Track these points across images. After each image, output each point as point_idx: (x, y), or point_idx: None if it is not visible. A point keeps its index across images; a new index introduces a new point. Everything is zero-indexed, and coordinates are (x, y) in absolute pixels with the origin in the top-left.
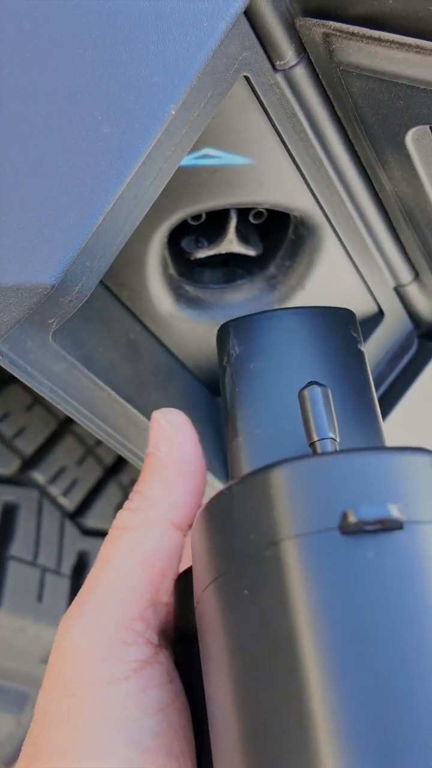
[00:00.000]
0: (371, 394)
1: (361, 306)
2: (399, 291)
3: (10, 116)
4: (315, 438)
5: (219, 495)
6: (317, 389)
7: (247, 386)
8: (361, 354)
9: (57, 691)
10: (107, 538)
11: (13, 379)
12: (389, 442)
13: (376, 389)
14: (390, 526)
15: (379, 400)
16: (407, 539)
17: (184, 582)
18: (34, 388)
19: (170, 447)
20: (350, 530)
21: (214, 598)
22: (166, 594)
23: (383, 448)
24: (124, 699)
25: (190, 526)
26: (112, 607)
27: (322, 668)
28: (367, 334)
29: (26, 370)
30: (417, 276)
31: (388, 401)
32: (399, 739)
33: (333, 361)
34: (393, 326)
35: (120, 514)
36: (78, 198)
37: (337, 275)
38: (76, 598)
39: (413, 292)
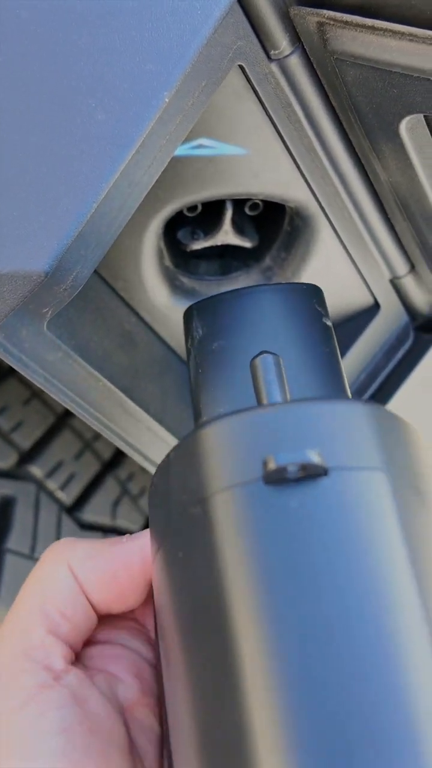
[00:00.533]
0: (338, 368)
1: (356, 298)
2: (395, 283)
3: (3, 103)
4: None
5: (159, 465)
6: (268, 357)
7: (208, 367)
8: (327, 328)
9: None
10: None
11: (10, 373)
12: None
13: (372, 382)
14: (313, 472)
15: (376, 393)
16: (331, 486)
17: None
18: (29, 378)
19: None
20: (273, 479)
21: (158, 567)
22: (72, 626)
23: (307, 399)
24: (24, 723)
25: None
26: (11, 639)
27: (250, 625)
28: (362, 327)
29: (21, 360)
30: (413, 268)
31: (385, 393)
32: (332, 705)
33: (295, 335)
34: (389, 318)
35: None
36: (72, 185)
37: (332, 267)
38: None
39: (409, 284)
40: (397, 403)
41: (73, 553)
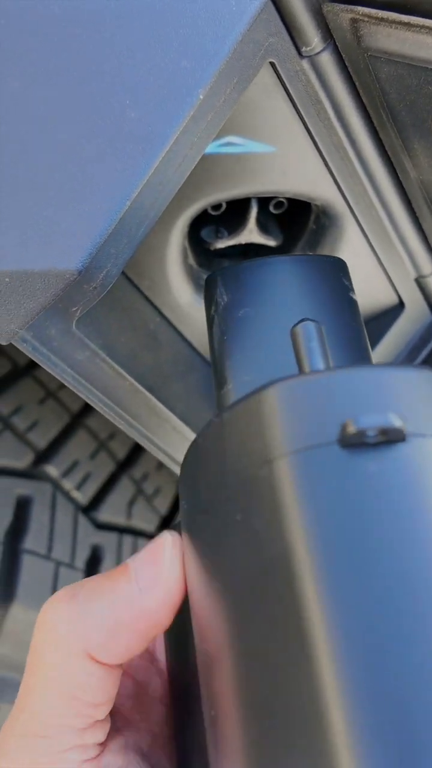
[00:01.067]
0: (365, 342)
1: (381, 297)
2: (420, 282)
3: (37, 101)
4: (308, 372)
5: (207, 425)
6: (310, 324)
7: (235, 333)
8: (353, 302)
9: None
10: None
11: (26, 372)
12: None
13: None
14: (392, 437)
15: None
16: (411, 451)
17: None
18: (57, 377)
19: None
20: (350, 442)
21: (204, 532)
22: (107, 702)
23: (382, 364)
24: None
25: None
26: (37, 745)
27: (320, 589)
28: (387, 326)
29: (49, 358)
30: None
31: None
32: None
33: (324, 306)
34: (413, 318)
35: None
36: (104, 183)
37: (358, 266)
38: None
39: None
40: None
41: (88, 641)
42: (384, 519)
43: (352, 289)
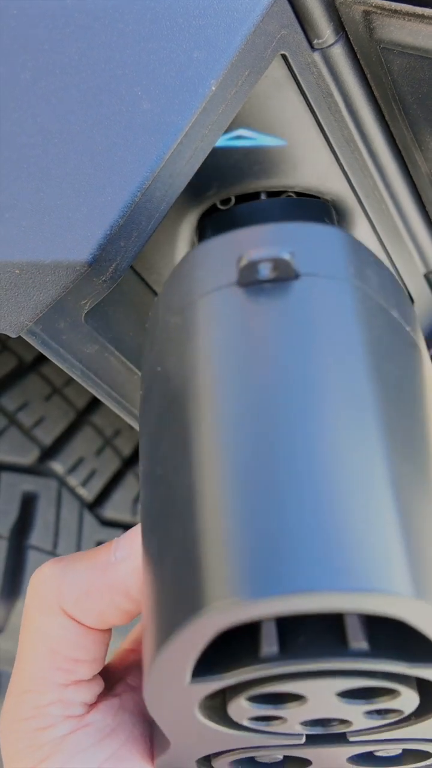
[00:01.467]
0: None
1: None
2: (429, 278)
3: (48, 92)
4: None
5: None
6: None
7: None
8: None
9: None
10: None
11: (32, 368)
12: None
13: None
14: (283, 273)
15: None
16: (301, 286)
17: None
18: (65, 370)
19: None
20: (246, 280)
21: (143, 397)
22: (90, 662)
23: (290, 222)
24: None
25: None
26: (24, 702)
27: (210, 406)
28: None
29: (58, 352)
30: None
31: None
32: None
33: None
34: (422, 313)
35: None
36: (115, 175)
37: None
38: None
39: None
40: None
41: (62, 595)
42: (266, 346)
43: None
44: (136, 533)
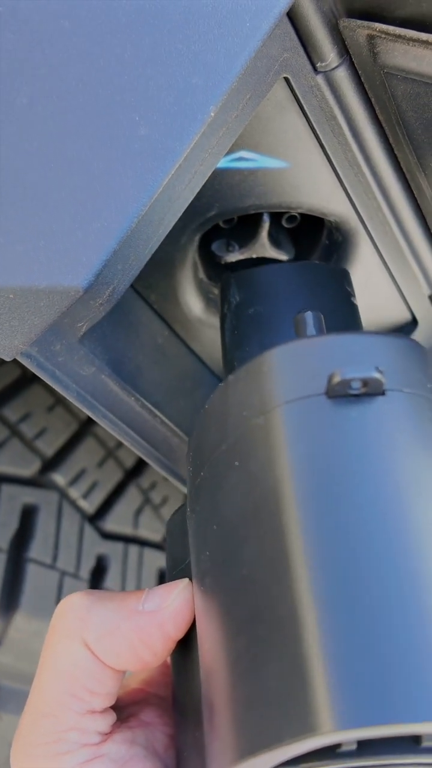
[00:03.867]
0: None
1: (394, 314)
2: None
3: (44, 116)
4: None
5: (216, 390)
6: (311, 313)
7: (245, 327)
8: (354, 306)
9: None
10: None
11: (35, 379)
12: None
13: None
14: (373, 389)
15: None
16: (388, 402)
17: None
18: (61, 393)
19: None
20: (336, 393)
21: (208, 480)
22: (104, 696)
23: (369, 331)
24: None
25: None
26: (41, 725)
27: (303, 517)
28: None
29: (54, 374)
30: None
31: None
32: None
33: (327, 307)
34: (426, 334)
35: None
36: (113, 201)
37: (371, 282)
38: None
39: None
40: None
41: (87, 629)
42: (360, 457)
43: (353, 295)
44: (168, 589)
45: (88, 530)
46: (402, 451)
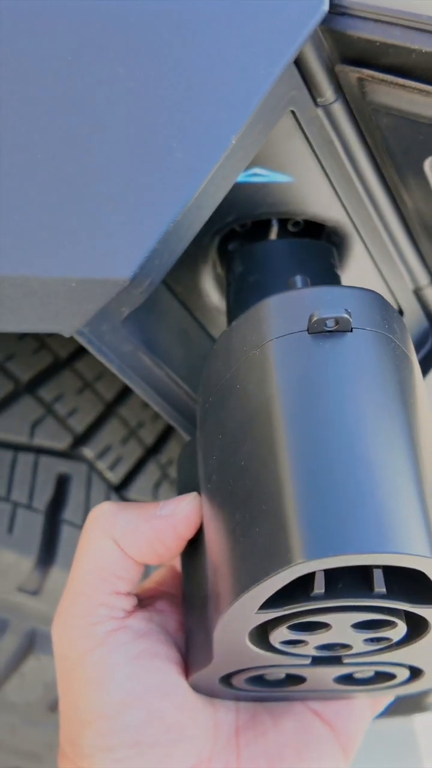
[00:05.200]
0: None
1: None
2: (417, 293)
3: (103, 143)
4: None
5: (221, 334)
6: (300, 277)
7: (246, 293)
8: (336, 276)
9: (59, 668)
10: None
11: (66, 364)
12: None
13: None
14: (343, 327)
15: None
16: (355, 337)
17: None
18: (106, 365)
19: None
20: (314, 330)
21: (215, 404)
22: (127, 581)
23: (341, 285)
24: (97, 659)
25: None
26: (76, 603)
27: (287, 422)
28: None
29: (101, 349)
30: None
31: None
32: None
33: (314, 275)
34: (411, 324)
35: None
36: (153, 208)
37: (363, 278)
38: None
39: (429, 294)
40: None
41: (114, 528)
42: (332, 377)
43: (336, 267)
44: (180, 499)
45: (114, 498)
46: (363, 372)
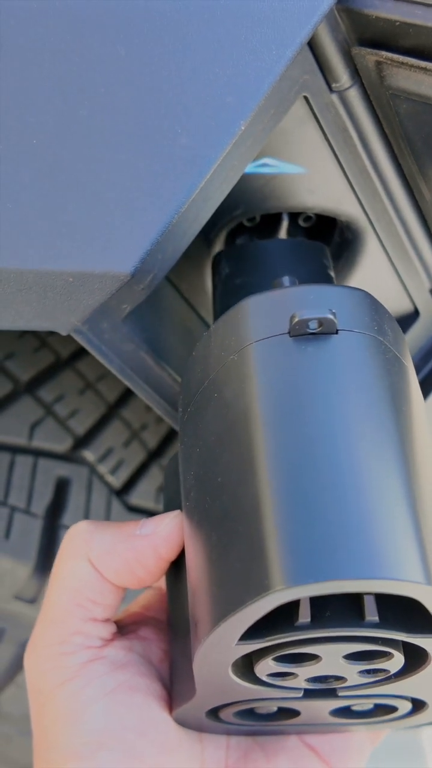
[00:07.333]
0: None
1: (398, 305)
2: None
3: (105, 130)
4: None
5: (200, 339)
6: (287, 277)
7: (233, 297)
8: (329, 277)
9: (31, 701)
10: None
11: (67, 364)
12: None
13: None
14: (327, 328)
15: None
16: (340, 339)
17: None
18: (106, 365)
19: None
20: (296, 332)
21: (193, 414)
22: (105, 606)
23: (325, 284)
24: (70, 696)
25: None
26: (50, 630)
27: (266, 433)
28: (403, 332)
29: (100, 349)
30: None
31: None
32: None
33: (305, 277)
34: (427, 324)
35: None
36: (156, 200)
37: (377, 277)
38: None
39: None
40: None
41: (90, 548)
42: (314, 384)
43: (329, 268)
44: (161, 517)
45: (115, 503)
46: (350, 378)
